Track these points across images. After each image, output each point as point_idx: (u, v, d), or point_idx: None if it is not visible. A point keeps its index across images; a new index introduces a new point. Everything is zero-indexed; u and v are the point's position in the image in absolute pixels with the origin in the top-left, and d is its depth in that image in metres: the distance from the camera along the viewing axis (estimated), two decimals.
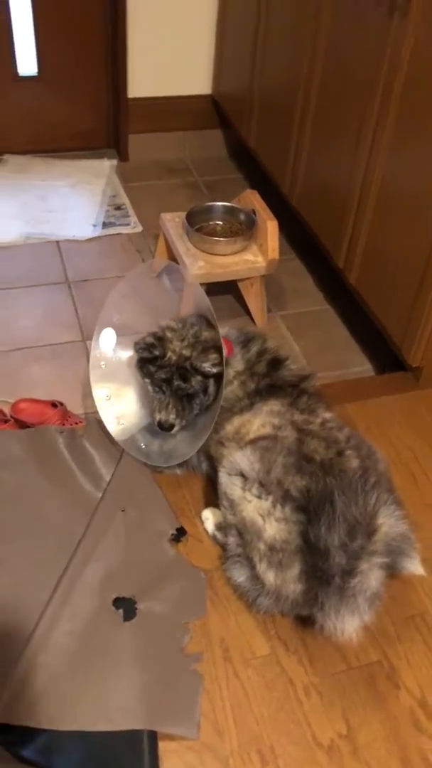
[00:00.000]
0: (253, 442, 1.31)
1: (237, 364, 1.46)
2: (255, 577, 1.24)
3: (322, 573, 1.15)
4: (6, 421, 1.67)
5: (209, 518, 1.42)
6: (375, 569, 1.16)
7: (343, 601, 1.15)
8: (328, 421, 1.36)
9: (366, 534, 1.15)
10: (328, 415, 1.39)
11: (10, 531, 1.40)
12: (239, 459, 1.27)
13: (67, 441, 1.55)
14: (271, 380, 1.44)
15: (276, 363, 1.48)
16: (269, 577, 1.21)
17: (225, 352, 1.39)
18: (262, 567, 1.21)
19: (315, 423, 1.35)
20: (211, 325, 1.43)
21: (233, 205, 2.10)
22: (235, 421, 1.39)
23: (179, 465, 1.51)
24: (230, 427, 1.39)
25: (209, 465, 1.47)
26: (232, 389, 1.43)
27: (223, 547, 1.36)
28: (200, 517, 1.44)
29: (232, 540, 1.29)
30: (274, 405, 1.37)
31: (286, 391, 1.41)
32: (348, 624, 1.16)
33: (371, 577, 1.15)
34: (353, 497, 1.16)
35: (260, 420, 1.35)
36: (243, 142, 2.57)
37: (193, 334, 1.43)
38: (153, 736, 1.12)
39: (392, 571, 1.24)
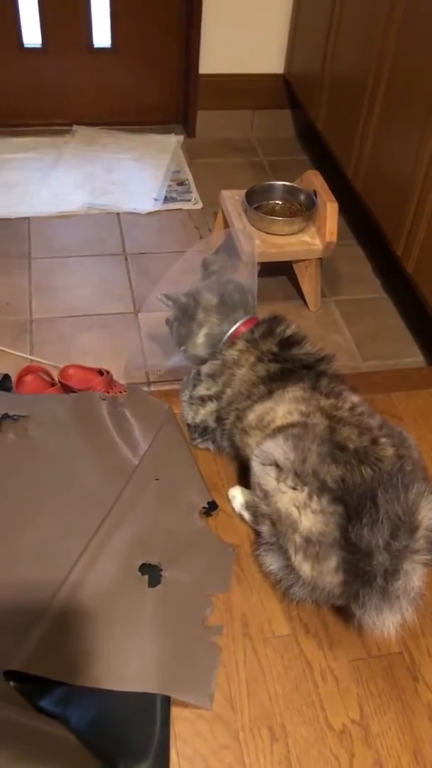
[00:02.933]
0: (281, 429, 1.28)
1: (240, 342, 1.46)
2: (289, 567, 1.21)
3: (364, 573, 1.11)
4: (53, 385, 1.71)
5: (236, 497, 1.42)
6: (418, 568, 1.12)
7: (385, 602, 1.12)
8: (357, 406, 1.33)
9: (409, 532, 1.11)
10: (355, 398, 1.35)
11: (46, 491, 1.43)
12: (272, 448, 1.24)
13: (109, 408, 1.57)
14: (282, 362, 1.40)
15: (288, 343, 1.44)
16: (305, 569, 1.18)
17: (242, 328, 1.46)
18: (297, 559, 1.19)
19: (344, 408, 1.31)
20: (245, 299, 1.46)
21: (294, 185, 2.08)
22: (256, 409, 1.36)
23: (211, 442, 1.51)
24: (252, 416, 1.36)
25: (233, 451, 1.47)
26: (242, 373, 1.42)
27: (252, 527, 1.36)
28: None
29: (265, 529, 1.27)
30: (296, 391, 1.34)
31: (301, 375, 1.37)
32: (388, 622, 1.13)
33: (414, 577, 1.12)
34: (395, 493, 1.12)
35: (285, 407, 1.32)
36: (311, 123, 2.54)
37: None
38: (166, 702, 1.14)
39: None
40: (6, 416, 1.54)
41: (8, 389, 1.65)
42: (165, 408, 1.58)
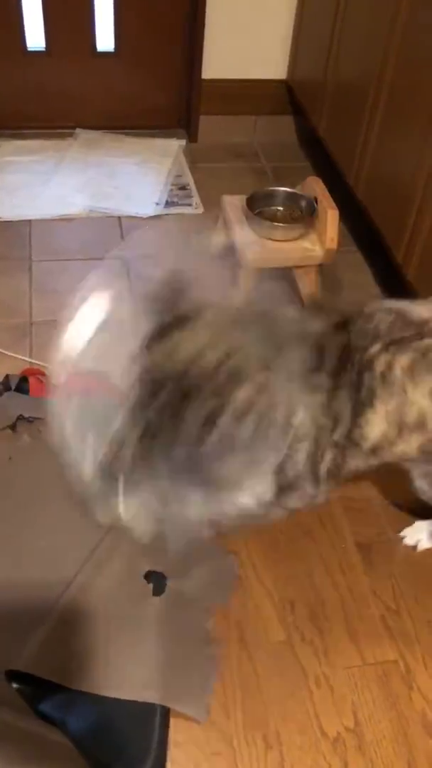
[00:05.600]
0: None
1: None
2: None
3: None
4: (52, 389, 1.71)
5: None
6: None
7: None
8: None
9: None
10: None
11: (56, 493, 1.42)
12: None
13: None
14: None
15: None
16: None
17: None
18: None
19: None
20: None
21: (295, 191, 2.08)
22: (377, 411, 1.06)
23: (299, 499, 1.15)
24: (376, 429, 1.07)
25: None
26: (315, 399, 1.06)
27: None
28: None
29: None
30: (401, 359, 1.06)
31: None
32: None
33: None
34: None
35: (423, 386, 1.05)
36: (313, 130, 2.54)
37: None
38: (166, 713, 1.14)
39: None
40: (21, 418, 1.56)
41: (25, 392, 1.66)
42: None
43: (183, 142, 2.78)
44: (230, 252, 2.01)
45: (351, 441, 1.07)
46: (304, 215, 2.03)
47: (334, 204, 1.94)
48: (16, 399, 1.61)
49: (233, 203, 2.07)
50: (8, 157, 2.59)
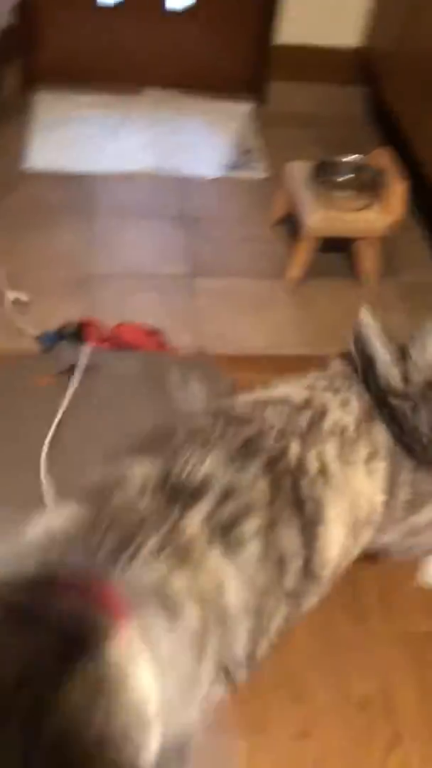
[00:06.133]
0: None
1: None
2: None
3: None
4: (106, 341, 1.73)
5: None
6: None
7: None
8: None
9: None
10: None
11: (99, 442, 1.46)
12: None
13: (176, 372, 1.60)
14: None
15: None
16: None
17: None
18: None
19: None
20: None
21: (362, 162, 2.05)
22: (331, 520, 0.84)
23: None
24: (335, 545, 0.86)
25: None
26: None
27: None
28: None
29: None
30: (327, 449, 0.88)
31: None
32: None
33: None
34: None
35: None
36: (384, 101, 2.49)
37: None
38: None
39: None
40: (74, 367, 1.59)
41: (81, 340, 1.69)
42: (228, 382, 1.60)
43: (251, 106, 2.75)
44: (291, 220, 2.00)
45: (309, 576, 0.84)
46: (369, 187, 2.01)
47: (401, 177, 1.91)
48: (72, 347, 1.65)
49: (298, 170, 2.05)
50: (75, 111, 2.61)
